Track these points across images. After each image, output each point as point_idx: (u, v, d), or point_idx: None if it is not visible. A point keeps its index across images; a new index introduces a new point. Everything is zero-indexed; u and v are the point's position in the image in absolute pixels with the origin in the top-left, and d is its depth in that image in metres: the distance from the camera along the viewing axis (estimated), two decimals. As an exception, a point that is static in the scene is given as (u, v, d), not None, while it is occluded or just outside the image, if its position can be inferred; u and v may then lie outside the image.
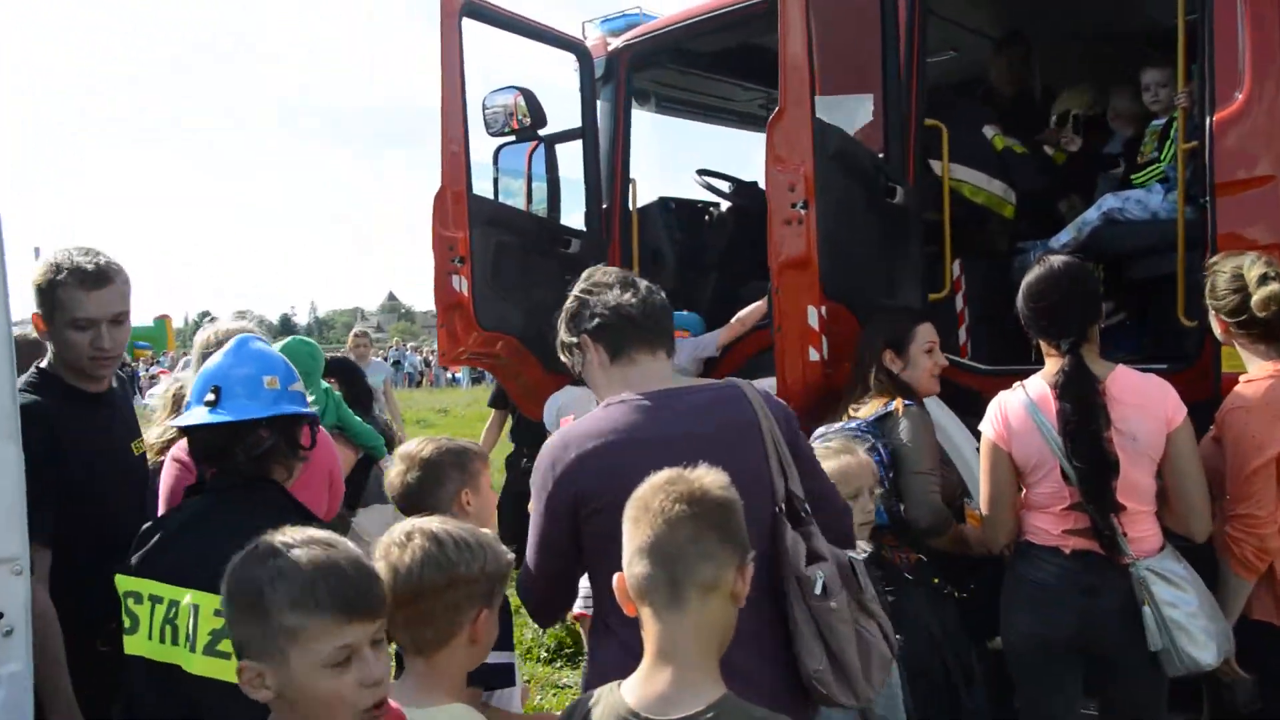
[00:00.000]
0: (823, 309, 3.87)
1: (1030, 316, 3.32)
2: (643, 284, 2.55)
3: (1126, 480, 3.08)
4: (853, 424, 3.62)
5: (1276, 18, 3.80)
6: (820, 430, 3.64)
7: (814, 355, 3.87)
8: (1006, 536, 3.37)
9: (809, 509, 2.37)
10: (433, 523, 2.13)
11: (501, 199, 5.79)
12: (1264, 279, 3.13)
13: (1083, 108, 5.59)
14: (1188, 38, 4.11)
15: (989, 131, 5.13)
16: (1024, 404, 3.25)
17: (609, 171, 5.82)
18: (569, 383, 5.06)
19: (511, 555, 2.21)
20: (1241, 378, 3.24)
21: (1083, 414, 3.11)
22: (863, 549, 3.64)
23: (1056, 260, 3.31)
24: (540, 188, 5.81)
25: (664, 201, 6.17)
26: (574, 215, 5.87)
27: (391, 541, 2.10)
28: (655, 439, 2.25)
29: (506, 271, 5.14)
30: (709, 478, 1.88)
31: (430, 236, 4.91)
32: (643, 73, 6.07)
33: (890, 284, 4.46)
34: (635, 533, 1.86)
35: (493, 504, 2.96)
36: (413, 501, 2.72)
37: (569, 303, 2.56)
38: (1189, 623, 3.03)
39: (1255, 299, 3.11)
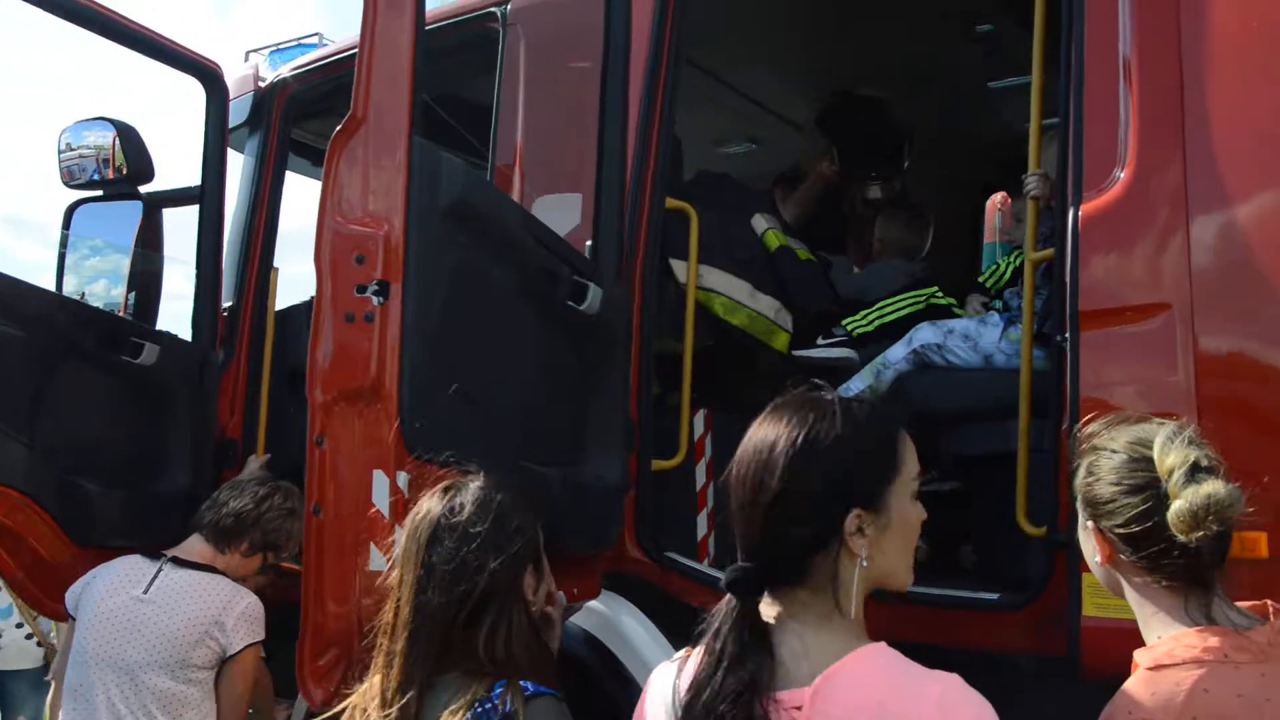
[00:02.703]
0: (400, 476, 2.09)
1: None
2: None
3: None
4: None
5: (1175, 60, 2.41)
6: None
7: (376, 562, 2.06)
8: None
9: None
10: None
11: (68, 279, 3.93)
12: (1193, 473, 1.56)
13: None
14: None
15: (760, 224, 3.50)
16: (663, 699, 1.56)
17: (241, 255, 4.03)
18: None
19: None
20: (1138, 655, 1.63)
21: None
22: None
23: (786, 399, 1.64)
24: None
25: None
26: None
27: None
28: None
29: (10, 384, 3.24)
30: None
31: None
32: (305, 121, 4.33)
33: (552, 438, 2.72)
34: None
35: None
36: None
37: None
38: None
39: (1176, 509, 1.55)
